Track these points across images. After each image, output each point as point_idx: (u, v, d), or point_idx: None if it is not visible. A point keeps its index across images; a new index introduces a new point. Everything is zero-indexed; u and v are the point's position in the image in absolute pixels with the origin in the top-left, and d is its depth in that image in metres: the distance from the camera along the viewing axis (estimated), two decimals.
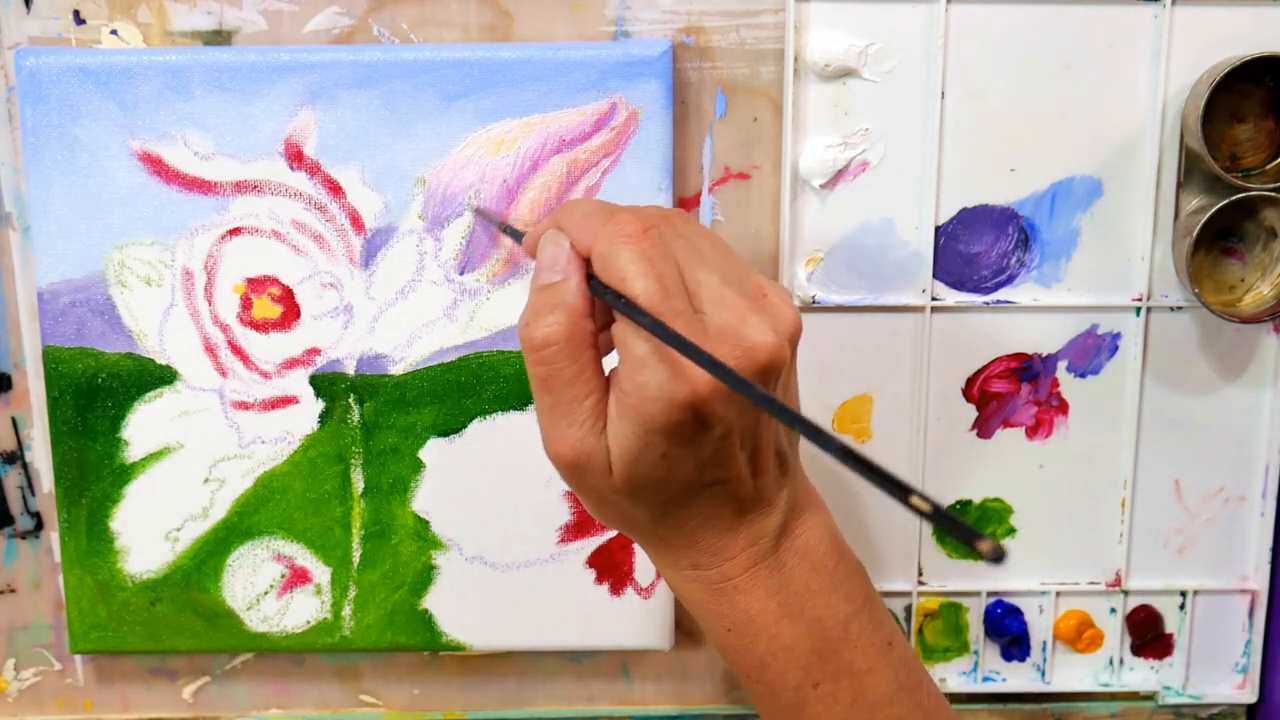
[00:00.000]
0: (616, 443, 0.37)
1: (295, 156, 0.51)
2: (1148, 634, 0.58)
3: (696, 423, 0.36)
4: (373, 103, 0.51)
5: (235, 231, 0.52)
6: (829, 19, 0.51)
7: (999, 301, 0.54)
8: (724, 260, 0.39)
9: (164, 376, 0.53)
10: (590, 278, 0.38)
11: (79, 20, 0.52)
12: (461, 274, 0.53)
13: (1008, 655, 0.58)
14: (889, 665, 0.41)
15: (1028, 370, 0.55)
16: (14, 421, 0.56)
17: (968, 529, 0.27)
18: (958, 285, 0.54)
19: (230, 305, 0.53)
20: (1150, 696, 0.58)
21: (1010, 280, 0.54)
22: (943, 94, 0.52)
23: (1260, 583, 0.57)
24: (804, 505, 0.41)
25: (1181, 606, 0.57)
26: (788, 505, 0.40)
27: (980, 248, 0.54)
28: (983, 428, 0.55)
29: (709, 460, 0.38)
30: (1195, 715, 0.59)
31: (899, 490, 0.29)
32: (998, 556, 0.27)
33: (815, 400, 0.55)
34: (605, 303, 0.38)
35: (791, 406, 0.40)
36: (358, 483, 0.54)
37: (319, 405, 0.54)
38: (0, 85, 0.52)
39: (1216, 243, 0.53)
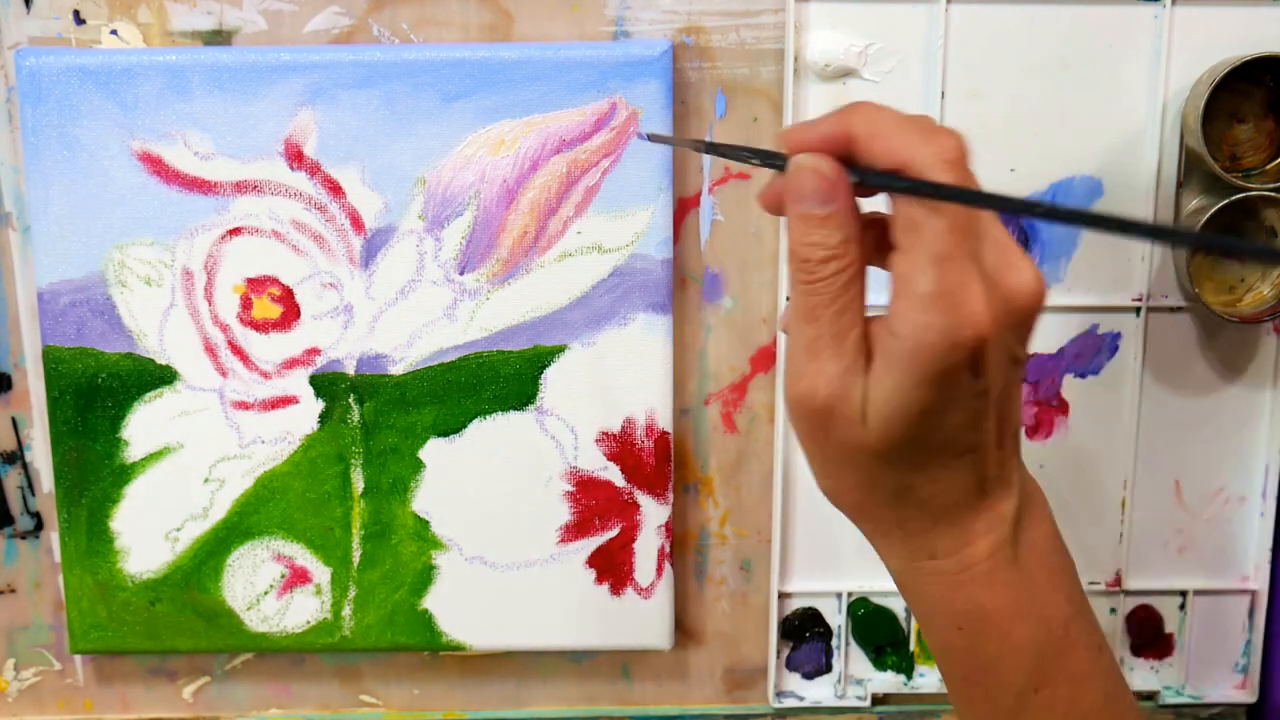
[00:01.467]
0: (879, 391, 0.35)
1: (295, 156, 0.51)
2: (1148, 634, 0.58)
3: (970, 369, 0.35)
4: (373, 103, 0.51)
5: (235, 231, 0.52)
6: (829, 19, 0.51)
7: None
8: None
9: (164, 376, 0.53)
10: (873, 175, 0.36)
11: (79, 20, 0.52)
12: (461, 274, 0.53)
13: None
14: (1099, 673, 0.40)
15: (1027, 370, 0.55)
16: (14, 421, 0.56)
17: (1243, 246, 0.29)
18: None
19: (230, 305, 0.53)
20: (1150, 696, 0.58)
21: None
22: (943, 94, 0.52)
23: (1260, 583, 0.57)
24: (1033, 495, 0.40)
25: (1181, 606, 0.57)
26: (1021, 491, 0.39)
27: None
28: None
29: (965, 422, 0.36)
30: (1195, 715, 0.59)
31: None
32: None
33: None
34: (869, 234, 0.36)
35: (1025, 364, 0.39)
36: (358, 483, 0.54)
37: (319, 405, 0.54)
38: (0, 85, 0.52)
39: None
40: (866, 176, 0.36)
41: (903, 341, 0.35)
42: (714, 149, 0.46)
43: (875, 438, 0.36)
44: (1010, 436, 0.38)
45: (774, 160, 0.39)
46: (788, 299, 0.49)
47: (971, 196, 0.34)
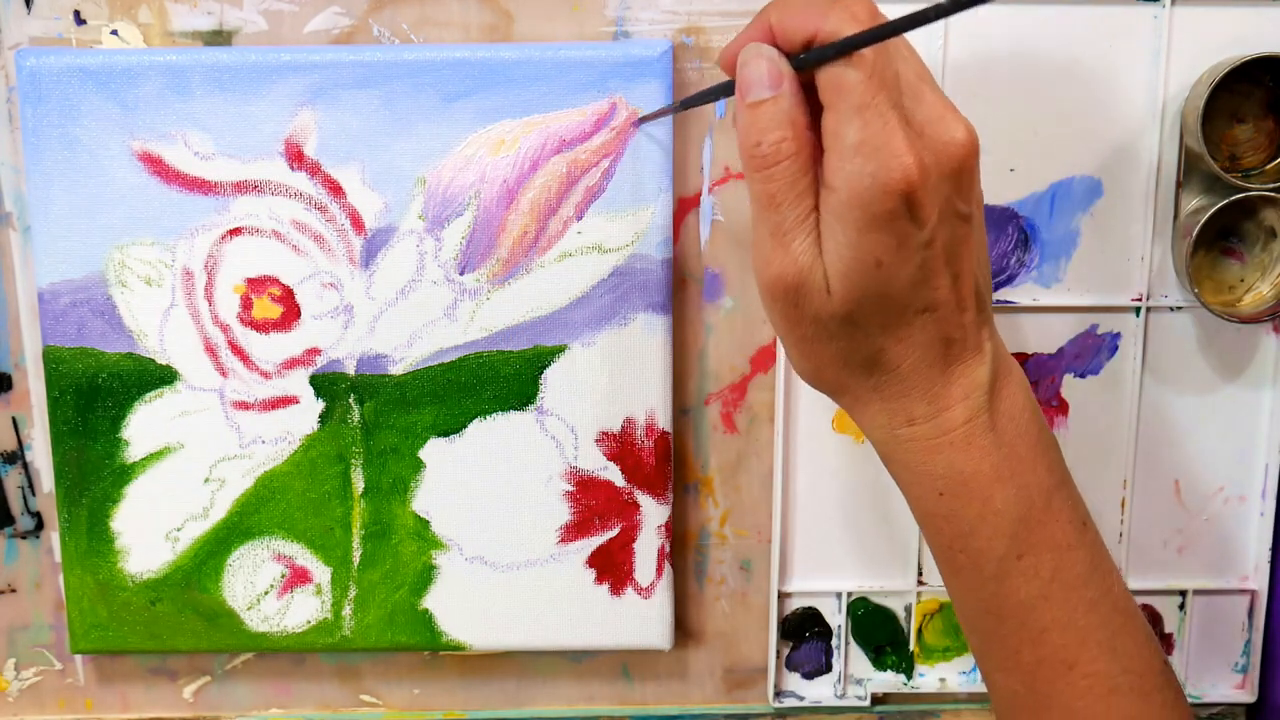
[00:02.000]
0: (832, 254, 0.38)
1: (295, 156, 0.51)
2: None
3: (908, 213, 0.37)
4: (373, 103, 0.51)
5: (235, 231, 0.52)
6: None
7: (999, 301, 0.54)
8: (923, 68, 0.39)
9: (164, 376, 0.53)
10: (800, 57, 0.38)
11: (79, 20, 0.52)
12: (461, 274, 0.53)
13: None
14: (1084, 545, 0.41)
15: (1027, 370, 0.55)
16: (14, 421, 0.56)
17: None
18: None
19: (230, 305, 0.53)
20: None
21: (1010, 280, 0.54)
22: None
23: (1260, 582, 0.57)
24: (1008, 367, 0.41)
25: (1181, 606, 0.57)
26: (994, 359, 0.40)
27: None
28: None
29: (918, 277, 0.38)
30: (1195, 715, 0.59)
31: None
32: None
33: (815, 400, 0.55)
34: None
35: (979, 214, 0.40)
36: (358, 483, 0.54)
37: (319, 405, 0.54)
38: (1, 85, 0.52)
39: (1216, 243, 0.53)
40: (796, 60, 0.38)
41: (839, 193, 0.37)
42: (687, 104, 0.49)
43: (839, 301, 0.38)
44: (970, 298, 0.39)
45: (727, 88, 0.42)
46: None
47: (878, 32, 0.36)
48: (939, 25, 0.51)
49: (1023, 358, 0.55)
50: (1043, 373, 0.55)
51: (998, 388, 0.40)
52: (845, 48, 0.36)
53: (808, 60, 0.38)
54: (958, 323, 0.39)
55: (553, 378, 0.53)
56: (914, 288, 0.38)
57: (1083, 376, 0.55)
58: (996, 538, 0.40)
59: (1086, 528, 0.41)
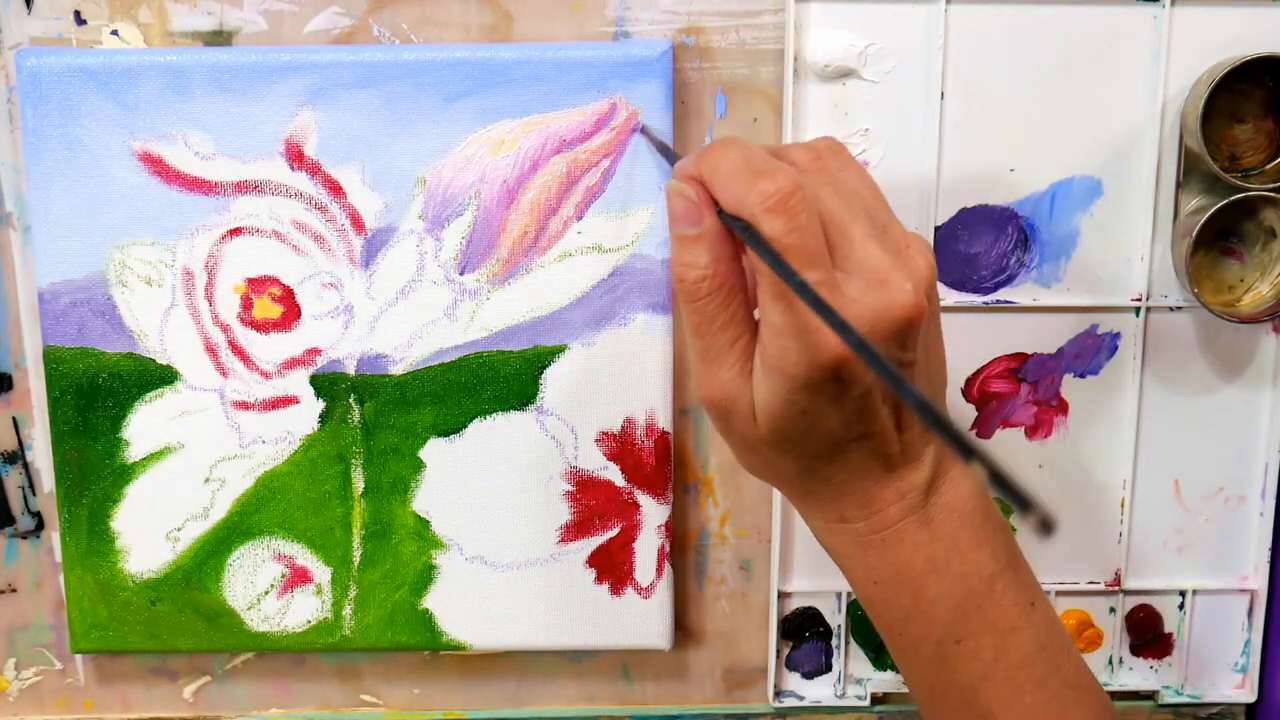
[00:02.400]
0: (760, 395, 0.37)
1: (296, 156, 0.52)
2: (1147, 634, 0.58)
3: (837, 382, 0.36)
4: (373, 103, 0.51)
5: (236, 231, 0.52)
6: (829, 19, 0.51)
7: (998, 302, 0.54)
8: (871, 207, 0.38)
9: (164, 376, 0.53)
10: (732, 216, 0.37)
11: (80, 21, 0.52)
12: (461, 274, 0.53)
13: None
14: (1031, 625, 0.41)
15: (1027, 370, 0.55)
16: (15, 421, 0.56)
17: (1021, 498, 0.27)
18: (957, 286, 0.54)
19: (231, 305, 0.53)
20: (1150, 696, 0.58)
21: (1010, 280, 0.54)
22: (943, 94, 0.52)
23: (1259, 582, 0.57)
24: (953, 461, 0.41)
25: (1181, 606, 0.57)
26: (935, 460, 0.40)
27: (980, 248, 0.54)
28: (982, 428, 0.56)
29: (852, 417, 0.37)
30: (1195, 715, 0.59)
31: (964, 451, 0.29)
32: (1046, 527, 0.26)
33: None
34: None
35: (936, 354, 0.40)
36: (358, 482, 0.54)
37: (319, 405, 0.54)
38: (1, 85, 0.52)
39: (1216, 243, 0.53)
40: (720, 214, 0.37)
41: (769, 359, 0.37)
42: (666, 153, 0.48)
43: (766, 433, 0.38)
44: (913, 418, 0.39)
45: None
46: None
47: (770, 258, 0.34)
48: (938, 25, 0.51)
49: (1023, 357, 0.55)
50: (1043, 373, 0.55)
51: (937, 484, 0.40)
52: (748, 242, 0.35)
53: (726, 220, 0.37)
54: (896, 441, 0.39)
55: (553, 378, 0.53)
56: (845, 426, 0.38)
57: (1083, 376, 0.55)
58: (933, 624, 0.40)
59: (1035, 608, 0.41)
